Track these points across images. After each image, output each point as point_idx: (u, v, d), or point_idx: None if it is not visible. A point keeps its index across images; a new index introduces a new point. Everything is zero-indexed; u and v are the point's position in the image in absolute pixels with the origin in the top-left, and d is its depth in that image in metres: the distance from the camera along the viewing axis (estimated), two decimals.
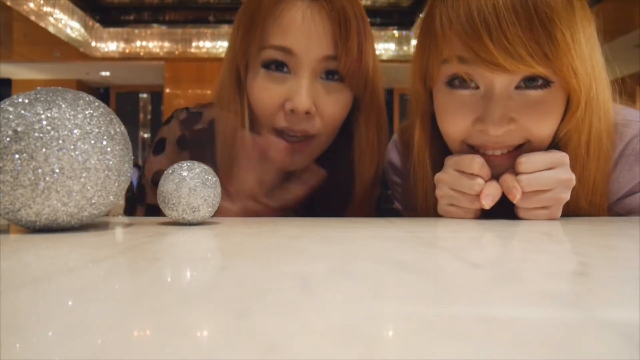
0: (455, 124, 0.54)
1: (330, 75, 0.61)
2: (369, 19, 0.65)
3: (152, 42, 6.41)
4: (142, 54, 6.47)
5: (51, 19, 5.31)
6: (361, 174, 0.66)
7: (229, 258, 0.28)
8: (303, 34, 0.58)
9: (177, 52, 6.44)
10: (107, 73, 7.33)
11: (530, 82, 0.50)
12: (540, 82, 0.50)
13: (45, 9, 5.15)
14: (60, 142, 0.36)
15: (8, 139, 0.35)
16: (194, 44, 6.37)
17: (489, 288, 0.21)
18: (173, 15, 6.38)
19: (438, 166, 0.59)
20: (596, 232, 0.43)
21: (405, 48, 6.14)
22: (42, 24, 5.38)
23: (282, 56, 0.60)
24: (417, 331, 0.15)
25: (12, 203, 0.36)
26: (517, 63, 0.47)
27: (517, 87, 0.50)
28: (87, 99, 0.40)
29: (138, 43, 6.42)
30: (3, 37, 6.01)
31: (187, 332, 0.15)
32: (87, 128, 0.38)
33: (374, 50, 0.65)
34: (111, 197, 0.40)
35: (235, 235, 0.39)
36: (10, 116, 0.36)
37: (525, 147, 0.54)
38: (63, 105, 0.37)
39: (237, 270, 0.24)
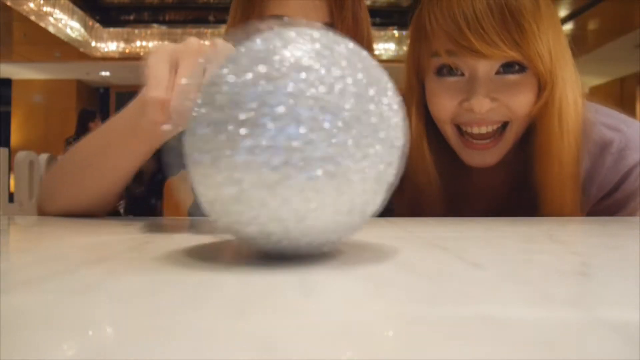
0: (444, 106, 0.62)
1: None
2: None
3: (152, 42, 6.40)
4: (142, 54, 6.46)
5: (51, 19, 5.31)
6: None
7: (229, 258, 0.28)
8: (299, 2, 0.63)
9: None
10: (107, 73, 7.32)
11: (507, 67, 0.59)
12: (516, 67, 0.59)
13: (45, 9, 5.15)
14: None
15: None
16: None
17: (489, 288, 0.21)
18: (173, 15, 6.37)
19: (435, 153, 0.65)
20: (596, 232, 0.43)
21: (405, 48, 6.11)
22: (42, 24, 5.37)
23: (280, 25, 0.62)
24: (417, 331, 0.15)
25: None
26: (492, 48, 0.57)
27: (497, 73, 0.59)
28: None
29: (138, 43, 6.41)
30: (3, 37, 6.01)
31: (187, 332, 0.15)
32: None
33: (368, 20, 0.68)
34: None
35: None
36: None
37: (507, 128, 0.61)
38: None
39: (236, 271, 0.24)
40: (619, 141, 0.63)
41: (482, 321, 0.16)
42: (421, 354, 0.13)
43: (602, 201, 0.64)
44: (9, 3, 4.85)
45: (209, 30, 6.27)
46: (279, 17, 0.62)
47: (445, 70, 0.61)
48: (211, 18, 6.18)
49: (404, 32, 6.19)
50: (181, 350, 0.13)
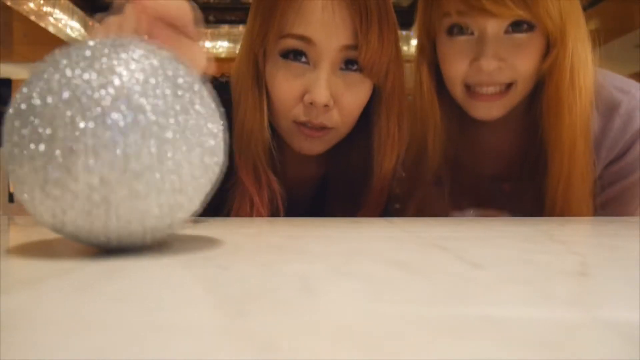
0: (456, 66, 0.65)
1: (349, 64, 0.61)
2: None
3: None
4: None
5: (51, 19, 5.30)
6: (380, 164, 0.65)
7: (229, 258, 0.28)
8: (323, 23, 0.59)
9: None
10: None
11: (516, 27, 0.62)
12: (524, 26, 0.61)
13: (45, 9, 5.15)
14: None
15: None
16: None
17: (489, 288, 0.21)
18: None
19: (444, 112, 0.69)
20: (596, 232, 0.43)
21: (405, 48, 6.09)
22: (42, 24, 5.37)
23: (301, 45, 0.59)
24: (417, 331, 0.15)
25: None
26: (500, 7, 0.59)
27: (506, 32, 0.62)
28: None
29: None
30: (3, 37, 6.01)
31: (187, 332, 0.15)
32: None
33: (396, 39, 0.65)
34: None
35: (235, 235, 0.39)
36: None
37: (512, 87, 0.64)
38: None
39: (237, 270, 0.24)
40: (628, 102, 0.65)
41: (482, 321, 0.16)
42: (421, 354, 0.13)
43: (611, 166, 0.66)
44: (9, 3, 4.85)
45: (209, 30, 6.27)
46: (299, 36, 0.59)
47: (456, 30, 0.64)
48: (211, 18, 6.17)
49: (404, 32, 6.19)
50: (181, 350, 0.13)
